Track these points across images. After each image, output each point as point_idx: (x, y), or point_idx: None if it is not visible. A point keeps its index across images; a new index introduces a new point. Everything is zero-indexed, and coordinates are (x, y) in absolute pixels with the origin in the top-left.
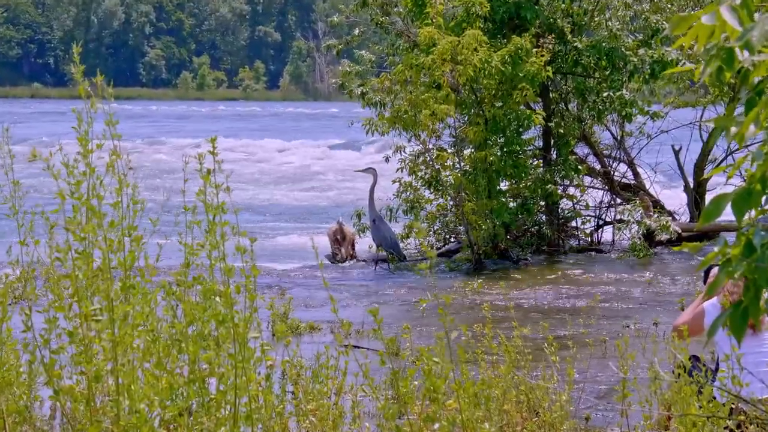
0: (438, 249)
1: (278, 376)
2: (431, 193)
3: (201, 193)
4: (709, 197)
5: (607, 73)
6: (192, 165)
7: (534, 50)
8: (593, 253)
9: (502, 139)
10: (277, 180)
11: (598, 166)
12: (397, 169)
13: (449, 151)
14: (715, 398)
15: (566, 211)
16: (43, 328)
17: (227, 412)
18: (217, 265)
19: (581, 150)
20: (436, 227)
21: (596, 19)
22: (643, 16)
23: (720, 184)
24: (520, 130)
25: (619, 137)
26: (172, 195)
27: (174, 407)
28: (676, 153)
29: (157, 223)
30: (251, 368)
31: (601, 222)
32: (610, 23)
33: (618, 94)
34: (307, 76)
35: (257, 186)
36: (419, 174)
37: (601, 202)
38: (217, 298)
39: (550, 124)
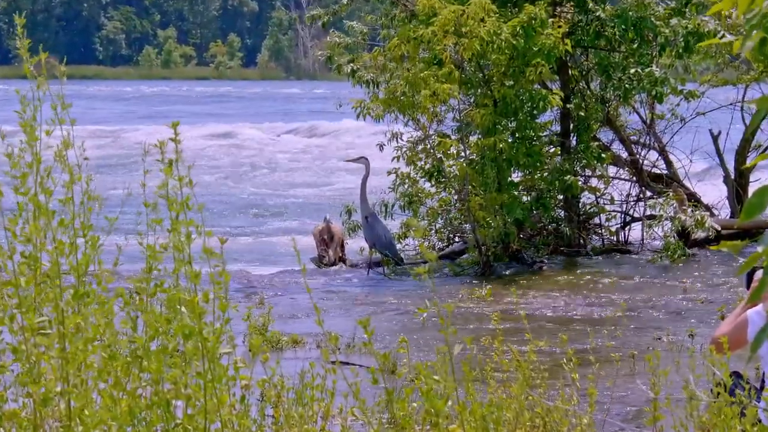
0: (440, 250)
1: (256, 397)
2: (432, 186)
3: (162, 187)
4: (752, 189)
5: (635, 46)
6: (154, 155)
7: (550, 20)
8: (619, 254)
9: (514, 124)
10: (253, 171)
11: (624, 154)
12: (393, 159)
13: (453, 137)
14: (760, 421)
15: (588, 207)
16: None
17: None
18: (182, 270)
19: (605, 135)
20: (438, 225)
21: None
22: None
23: (766, 175)
24: (535, 112)
25: (648, 120)
26: (133, 189)
27: None
28: (715, 138)
29: (114, 222)
30: (223, 389)
31: (628, 218)
32: None
33: (647, 70)
34: (288, 52)
35: (230, 179)
36: (418, 164)
37: (628, 195)
38: (183, 308)
39: (569, 106)
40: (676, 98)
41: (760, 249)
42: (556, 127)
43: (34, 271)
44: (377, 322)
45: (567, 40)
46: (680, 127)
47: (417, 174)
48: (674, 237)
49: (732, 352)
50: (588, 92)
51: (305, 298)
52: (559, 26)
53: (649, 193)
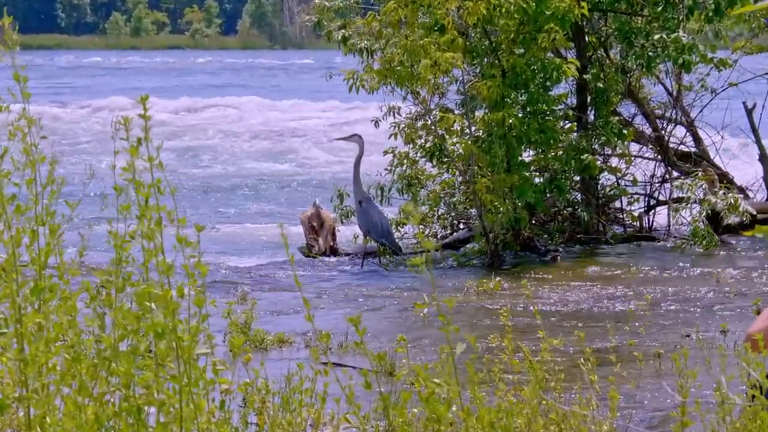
0: (443, 238)
1: (237, 403)
2: (434, 167)
3: (129, 168)
4: None
5: (659, 9)
6: (122, 133)
7: None
8: (643, 241)
9: (525, 96)
10: (233, 151)
11: (648, 130)
12: (390, 136)
13: (456, 112)
14: None
15: (608, 189)
16: None
17: None
18: (153, 261)
19: (626, 109)
20: (440, 210)
21: None
22: None
23: None
24: (548, 84)
25: (674, 92)
26: (98, 171)
27: None
28: (749, 112)
29: (76, 207)
30: (201, 394)
31: (652, 202)
32: None
33: (673, 36)
34: (272, 18)
35: (207, 159)
36: (418, 142)
37: (652, 176)
38: (155, 304)
39: (586, 77)
40: (705, 67)
41: None
42: (572, 100)
43: None
44: (372, 318)
45: (583, 3)
46: (710, 100)
47: (416, 153)
48: (704, 222)
49: None
50: (607, 61)
51: (292, 292)
52: None
53: (675, 174)
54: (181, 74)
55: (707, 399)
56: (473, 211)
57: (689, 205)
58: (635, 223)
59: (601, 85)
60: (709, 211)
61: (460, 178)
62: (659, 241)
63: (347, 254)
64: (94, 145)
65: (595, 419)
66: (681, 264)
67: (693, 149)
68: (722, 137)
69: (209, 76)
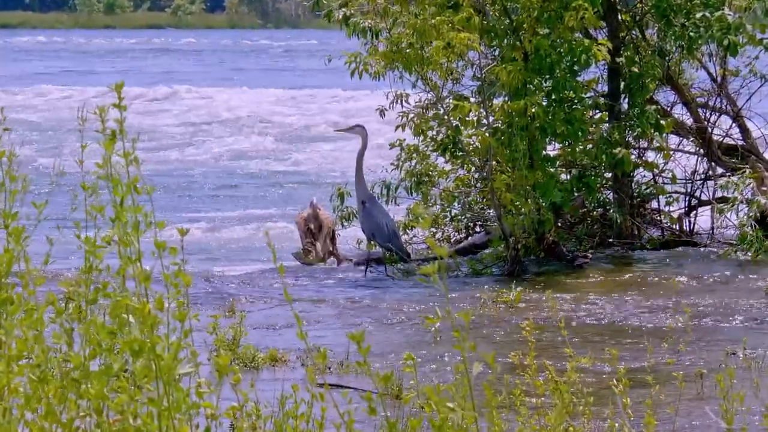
0: (457, 243)
1: (224, 429)
2: (447, 162)
3: (103, 164)
4: None
5: None
6: (93, 124)
7: None
8: (683, 246)
9: (549, 83)
10: (218, 144)
11: (689, 120)
12: (397, 127)
13: (472, 100)
14: None
15: (643, 187)
16: None
17: None
18: (129, 269)
19: (664, 97)
20: (454, 211)
21: None
22: None
23: None
24: (576, 68)
25: (719, 78)
26: (67, 167)
27: None
28: None
29: (43, 209)
30: (183, 419)
31: (693, 202)
32: None
33: (717, 14)
34: None
35: (188, 153)
36: (429, 134)
37: (693, 172)
38: (131, 318)
39: (618, 60)
40: (754, 50)
41: None
42: (603, 87)
43: None
44: (377, 334)
45: None
46: (759, 86)
47: (427, 147)
48: (752, 225)
49: None
50: (643, 43)
51: (286, 304)
52: None
53: (720, 170)
54: (162, 56)
55: (755, 425)
56: (491, 212)
57: (735, 206)
58: (674, 226)
59: (635, 70)
60: (758, 213)
61: (476, 175)
62: (701, 247)
63: (348, 261)
64: (60, 138)
65: None
66: (726, 272)
67: (740, 142)
68: None
69: (193, 59)
